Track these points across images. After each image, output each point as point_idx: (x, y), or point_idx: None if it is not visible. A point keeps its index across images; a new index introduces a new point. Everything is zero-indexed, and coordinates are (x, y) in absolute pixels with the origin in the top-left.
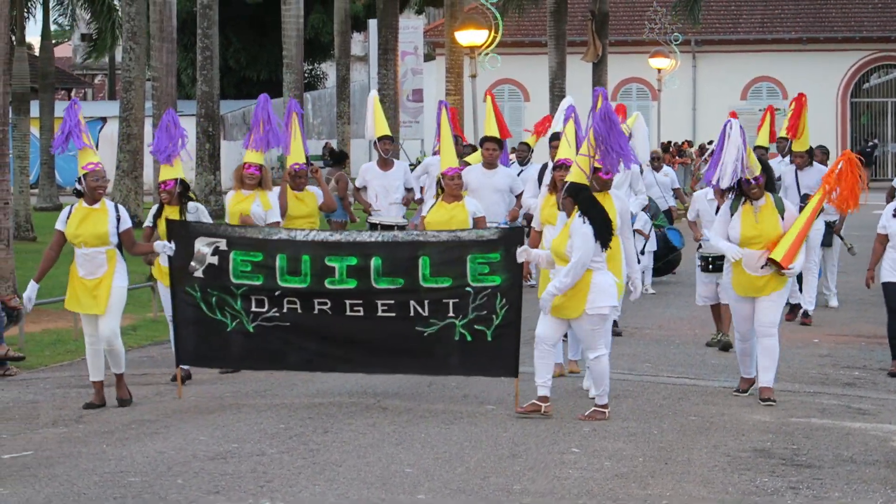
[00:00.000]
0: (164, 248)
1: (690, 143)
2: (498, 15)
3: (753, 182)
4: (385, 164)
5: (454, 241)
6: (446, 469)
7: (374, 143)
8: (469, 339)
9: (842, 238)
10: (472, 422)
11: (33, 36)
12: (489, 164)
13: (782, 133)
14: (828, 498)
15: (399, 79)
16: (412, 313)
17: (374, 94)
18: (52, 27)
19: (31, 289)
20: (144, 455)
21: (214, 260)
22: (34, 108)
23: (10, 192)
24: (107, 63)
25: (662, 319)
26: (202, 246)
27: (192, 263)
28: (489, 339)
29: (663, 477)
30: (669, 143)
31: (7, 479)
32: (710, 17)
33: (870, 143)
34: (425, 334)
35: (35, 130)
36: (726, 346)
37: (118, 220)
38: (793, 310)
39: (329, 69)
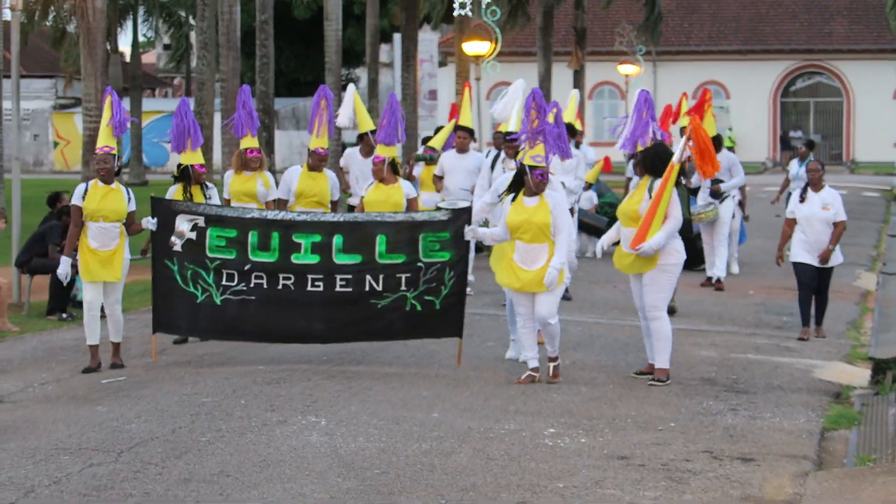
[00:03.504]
0: (148, 223)
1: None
2: (498, 30)
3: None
4: (367, 154)
5: (408, 221)
6: (455, 393)
7: (367, 134)
8: (419, 308)
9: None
10: (475, 355)
11: (125, 45)
12: (461, 150)
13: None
14: (761, 417)
15: (418, 81)
16: (367, 288)
17: (352, 88)
18: (140, 38)
19: (65, 264)
20: (214, 380)
21: (193, 235)
22: (126, 104)
23: None
24: (184, 67)
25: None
26: (182, 223)
27: (173, 238)
28: (437, 307)
29: (629, 400)
30: None
31: (104, 399)
32: (667, 31)
33: (797, 133)
34: (379, 306)
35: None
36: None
37: (129, 200)
38: (719, 281)
39: (362, 73)
